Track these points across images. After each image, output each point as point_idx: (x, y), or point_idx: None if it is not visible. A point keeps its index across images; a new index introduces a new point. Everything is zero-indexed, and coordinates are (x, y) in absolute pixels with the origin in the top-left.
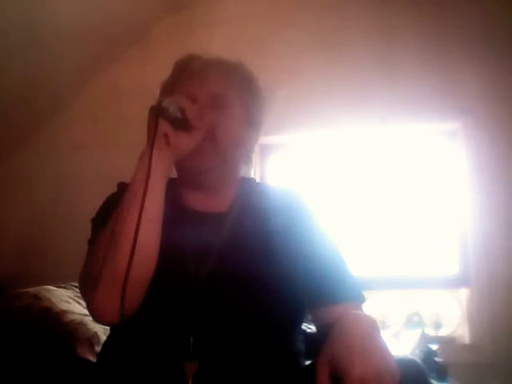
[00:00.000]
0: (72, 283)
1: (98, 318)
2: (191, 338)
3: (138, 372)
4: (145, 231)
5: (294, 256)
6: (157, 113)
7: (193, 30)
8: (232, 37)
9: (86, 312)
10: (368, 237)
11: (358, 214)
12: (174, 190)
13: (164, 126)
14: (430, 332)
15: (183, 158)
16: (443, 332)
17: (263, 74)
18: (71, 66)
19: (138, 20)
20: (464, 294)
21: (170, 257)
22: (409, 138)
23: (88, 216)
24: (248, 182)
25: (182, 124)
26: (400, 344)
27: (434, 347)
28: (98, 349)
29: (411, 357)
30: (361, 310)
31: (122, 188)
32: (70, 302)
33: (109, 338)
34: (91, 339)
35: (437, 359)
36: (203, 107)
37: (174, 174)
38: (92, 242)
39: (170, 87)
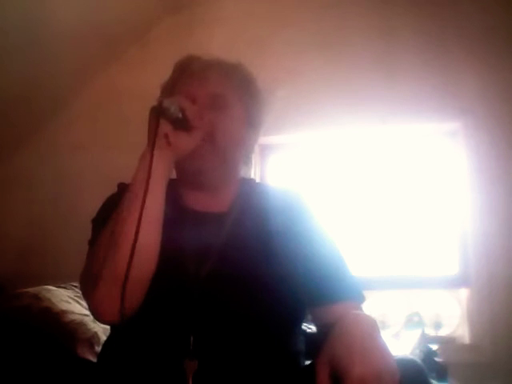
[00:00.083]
0: (72, 283)
1: (98, 318)
2: (191, 337)
3: (138, 370)
4: (145, 231)
5: (294, 256)
6: (158, 113)
7: (193, 29)
8: (232, 37)
9: (86, 312)
10: (368, 237)
11: (358, 214)
12: (174, 190)
13: (165, 126)
14: (430, 332)
15: (183, 158)
16: (443, 332)
17: (263, 74)
18: (71, 66)
19: (137, 20)
20: (464, 294)
21: (171, 257)
22: (409, 138)
23: (88, 216)
24: (248, 183)
25: (182, 124)
26: (400, 344)
27: (434, 347)
28: (98, 349)
29: (411, 357)
30: (361, 309)
31: (123, 188)
32: (69, 302)
33: (109, 337)
34: (91, 339)
35: (437, 359)
36: (203, 108)
37: (174, 175)
38: (92, 242)
39: (170, 88)
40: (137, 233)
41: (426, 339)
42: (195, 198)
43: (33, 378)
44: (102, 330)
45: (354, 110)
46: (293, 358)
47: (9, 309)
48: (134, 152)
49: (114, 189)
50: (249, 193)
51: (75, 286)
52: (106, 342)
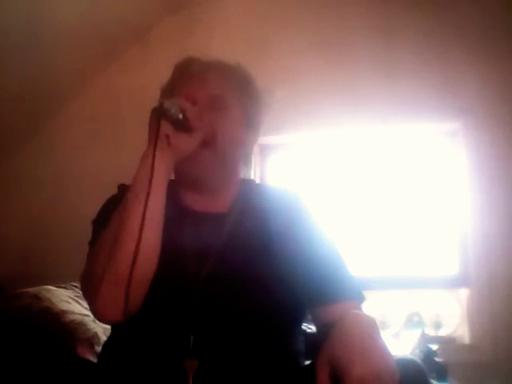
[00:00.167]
0: (72, 283)
1: (100, 318)
2: (191, 337)
3: (139, 370)
4: (147, 231)
5: (294, 256)
6: (158, 114)
7: (193, 29)
8: (232, 37)
9: (86, 312)
10: (368, 237)
11: (358, 214)
12: (173, 191)
13: (165, 127)
14: (430, 332)
15: (183, 159)
16: (443, 332)
17: (263, 74)
18: (71, 66)
19: (137, 20)
20: (464, 293)
21: (171, 257)
22: (409, 138)
23: (88, 216)
24: (247, 183)
25: (182, 125)
26: (400, 344)
27: (434, 347)
28: (98, 349)
29: (411, 357)
30: (360, 309)
31: (123, 190)
32: (70, 302)
33: (110, 337)
34: (91, 339)
35: (437, 359)
36: (203, 109)
37: (173, 177)
38: (93, 243)
39: (169, 90)
40: (140, 233)
41: (425, 339)
42: (195, 199)
43: (33, 378)
44: (101, 330)
45: (354, 110)
46: (293, 358)
47: (9, 309)
48: (133, 152)
49: (113, 189)
50: (248, 194)
51: (75, 286)
52: (106, 342)
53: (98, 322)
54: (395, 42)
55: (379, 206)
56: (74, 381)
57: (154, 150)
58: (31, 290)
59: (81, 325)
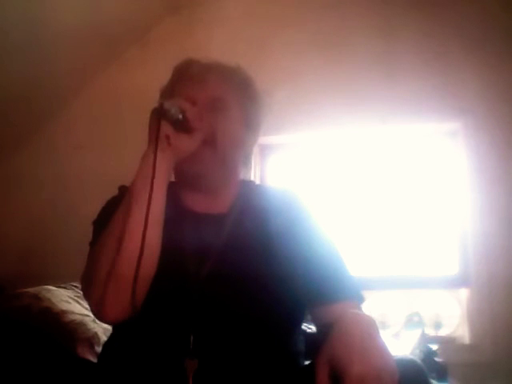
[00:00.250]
0: (72, 283)
1: (102, 318)
2: (191, 337)
3: (139, 370)
4: (148, 231)
5: (293, 256)
6: (159, 115)
7: (193, 29)
8: (232, 37)
9: (86, 312)
10: (368, 237)
11: (358, 214)
12: (173, 192)
13: (166, 128)
14: (430, 332)
15: (183, 160)
16: (443, 332)
17: (263, 74)
18: (71, 66)
19: (138, 20)
20: (464, 294)
21: (171, 257)
22: (409, 138)
23: (88, 216)
24: (247, 184)
25: (182, 126)
26: (400, 344)
27: (434, 347)
28: (98, 349)
29: (411, 357)
30: (360, 309)
31: (123, 191)
32: (70, 302)
33: (110, 337)
34: (91, 339)
35: (437, 359)
36: (203, 110)
37: (173, 178)
38: (93, 243)
39: (169, 91)
40: (144, 232)
41: (425, 339)
42: (195, 199)
43: (33, 378)
44: (102, 330)
45: (354, 110)
46: (292, 358)
47: (9, 309)
48: (134, 152)
49: (114, 189)
50: (248, 194)
51: (75, 286)
52: (106, 342)
53: (98, 322)
54: (395, 42)
55: (379, 206)
56: (74, 381)
57: (155, 151)
58: (31, 289)
59: (81, 325)
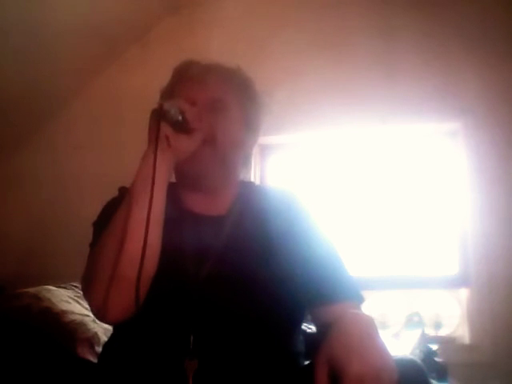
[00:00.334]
0: (72, 283)
1: (103, 318)
2: (191, 337)
3: (139, 370)
4: (149, 232)
5: (293, 257)
6: (158, 116)
7: (193, 29)
8: (232, 37)
9: (86, 312)
10: (368, 237)
11: (358, 214)
12: (173, 193)
13: (165, 129)
14: (430, 332)
15: (183, 161)
16: (443, 332)
17: (263, 74)
18: (71, 66)
19: (138, 20)
20: (464, 294)
21: (170, 258)
22: (409, 138)
23: (88, 216)
24: (246, 185)
25: (182, 127)
26: (400, 344)
27: (434, 347)
28: (98, 349)
29: (411, 357)
30: (359, 309)
31: (123, 192)
32: (70, 302)
33: (111, 337)
34: (91, 339)
35: (437, 359)
36: (202, 111)
37: (173, 179)
38: (93, 244)
39: (169, 92)
40: (146, 233)
41: (425, 339)
42: (194, 200)
43: (33, 378)
44: (102, 331)
45: (354, 110)
46: (292, 358)
47: (9, 309)
48: (133, 152)
49: (113, 189)
50: (247, 195)
51: (75, 286)
52: (107, 342)
53: (98, 322)
54: (395, 42)
55: (379, 206)
56: (74, 381)
57: (155, 152)
58: (31, 289)
59: (81, 325)
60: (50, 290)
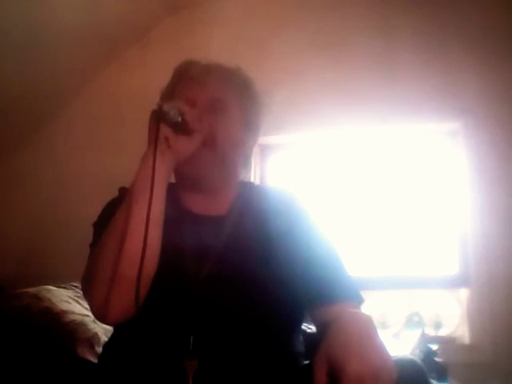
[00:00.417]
0: (72, 283)
1: (103, 319)
2: (191, 337)
3: (139, 371)
4: (149, 232)
5: (293, 257)
6: (158, 117)
7: (193, 29)
8: (232, 37)
9: (87, 312)
10: (368, 237)
11: (357, 214)
12: (173, 193)
13: (165, 130)
14: (430, 332)
15: (183, 162)
16: (443, 332)
17: (263, 74)
18: (71, 66)
19: (138, 20)
20: (464, 294)
21: (170, 258)
22: (409, 138)
23: (87, 216)
24: (246, 185)
25: (181, 128)
26: (400, 344)
27: (434, 347)
28: (99, 349)
29: (411, 357)
30: (359, 309)
31: (124, 193)
32: (70, 302)
33: (111, 337)
34: (91, 339)
35: (437, 359)
36: (202, 111)
37: (173, 179)
38: (94, 245)
39: (169, 93)
40: (146, 234)
41: (425, 339)
42: (194, 200)
43: (33, 378)
44: (102, 331)
45: (354, 110)
46: (292, 358)
47: (9, 309)
48: (133, 152)
49: (113, 189)
50: (247, 195)
51: (75, 286)
52: (107, 342)
53: (98, 322)
54: (395, 42)
55: (379, 206)
56: (74, 381)
57: (155, 153)
58: (31, 290)
59: (81, 325)
60: (50, 290)
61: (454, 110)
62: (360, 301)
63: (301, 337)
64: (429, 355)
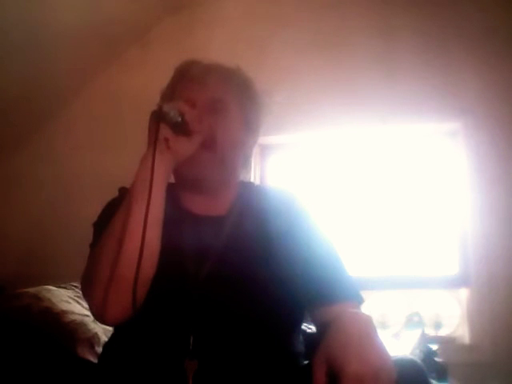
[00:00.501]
0: (72, 283)
1: (102, 319)
2: (191, 337)
3: (139, 371)
4: (148, 232)
5: (293, 257)
6: (157, 118)
7: (193, 30)
8: (232, 37)
9: (87, 312)
10: (368, 237)
11: (357, 214)
12: (173, 193)
13: (165, 131)
14: (430, 332)
15: (183, 163)
16: (443, 332)
17: (263, 74)
18: (71, 66)
19: (138, 20)
20: (464, 294)
21: (170, 258)
22: (409, 138)
23: (87, 216)
24: (246, 185)
25: (181, 128)
26: (400, 344)
27: (434, 347)
28: (99, 349)
29: (411, 357)
30: (359, 309)
31: (124, 193)
32: (70, 302)
33: (111, 338)
34: (91, 339)
35: (437, 359)
36: (202, 112)
37: (172, 180)
38: (93, 245)
39: (169, 93)
40: (144, 234)
41: (425, 339)
42: (194, 201)
43: (33, 378)
44: (102, 331)
45: (354, 110)
46: (292, 358)
47: (9, 309)
48: (133, 152)
49: (113, 189)
50: (247, 195)
51: (75, 286)
52: (107, 342)
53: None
54: (395, 42)
55: (379, 206)
56: (74, 381)
57: (154, 153)
58: (31, 289)
59: (81, 325)
60: (50, 290)
61: (454, 109)
62: (360, 301)
63: (301, 337)
64: (429, 355)
